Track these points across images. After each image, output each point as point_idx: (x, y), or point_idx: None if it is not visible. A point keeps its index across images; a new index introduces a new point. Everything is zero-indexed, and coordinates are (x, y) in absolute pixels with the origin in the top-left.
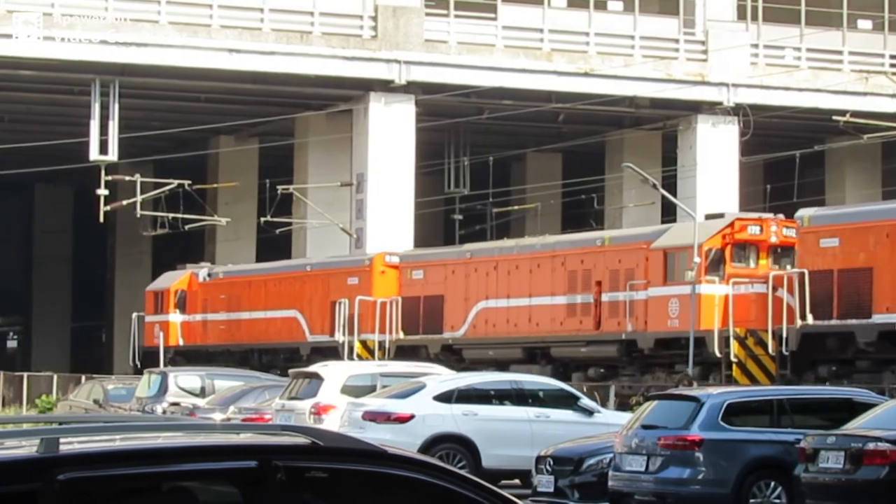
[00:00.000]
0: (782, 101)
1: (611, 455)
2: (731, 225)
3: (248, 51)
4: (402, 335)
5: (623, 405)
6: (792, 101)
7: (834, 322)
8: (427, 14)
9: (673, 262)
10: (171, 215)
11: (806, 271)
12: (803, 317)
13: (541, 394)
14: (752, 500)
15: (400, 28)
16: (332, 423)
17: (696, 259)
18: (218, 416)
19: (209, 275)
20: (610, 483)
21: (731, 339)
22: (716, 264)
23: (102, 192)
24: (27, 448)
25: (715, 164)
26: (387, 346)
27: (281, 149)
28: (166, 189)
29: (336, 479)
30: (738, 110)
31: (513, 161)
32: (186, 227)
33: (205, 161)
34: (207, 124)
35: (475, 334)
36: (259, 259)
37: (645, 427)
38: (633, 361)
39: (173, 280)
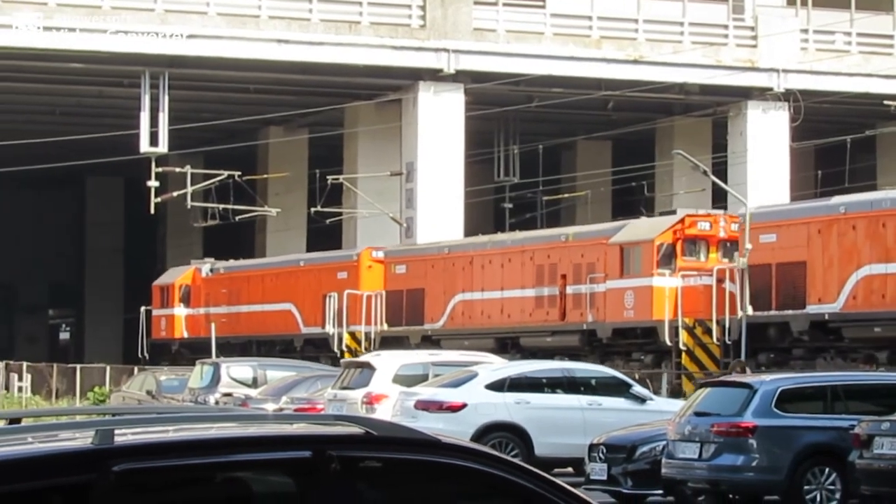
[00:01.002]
0: (833, 86)
1: (664, 442)
2: (682, 221)
3: (296, 41)
4: (386, 327)
5: (675, 392)
6: (842, 86)
7: (772, 312)
8: (475, 3)
9: (629, 256)
10: (221, 206)
11: (746, 265)
12: (744, 308)
13: (593, 382)
14: (806, 487)
15: (448, 17)
16: (384, 412)
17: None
18: (270, 407)
19: (211, 270)
20: (663, 470)
21: (681, 329)
22: (667, 258)
23: (153, 183)
24: (81, 440)
25: (765, 150)
26: (372, 337)
27: (330, 139)
28: (216, 180)
29: (389, 468)
30: (788, 96)
31: (563, 149)
32: (237, 217)
33: (254, 152)
34: (257, 115)
35: (453, 325)
36: (310, 249)
37: (698, 414)
38: (594, 350)
39: (178, 275)
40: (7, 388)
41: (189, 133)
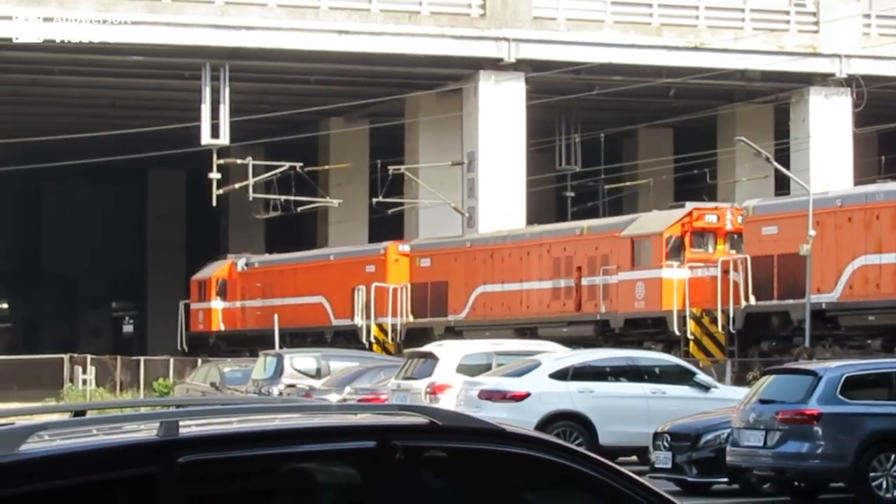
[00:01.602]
0: None
1: (728, 430)
2: (690, 214)
3: (356, 32)
4: (411, 318)
5: (740, 380)
6: None
7: (774, 302)
8: None
9: (639, 248)
10: (283, 198)
11: (748, 257)
12: (747, 298)
13: (657, 370)
14: (872, 474)
15: (508, 5)
16: (448, 402)
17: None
18: (334, 398)
19: (247, 264)
20: (728, 458)
21: (688, 319)
22: (676, 250)
23: (214, 175)
24: (146, 431)
25: (828, 136)
26: (398, 328)
27: (391, 129)
28: (278, 171)
29: (454, 458)
30: (850, 81)
31: (624, 137)
32: (298, 209)
33: (315, 143)
34: (317, 106)
35: (475, 317)
36: (372, 240)
37: (762, 402)
38: (608, 340)
39: (215, 270)
40: (72, 380)
41: (250, 125)
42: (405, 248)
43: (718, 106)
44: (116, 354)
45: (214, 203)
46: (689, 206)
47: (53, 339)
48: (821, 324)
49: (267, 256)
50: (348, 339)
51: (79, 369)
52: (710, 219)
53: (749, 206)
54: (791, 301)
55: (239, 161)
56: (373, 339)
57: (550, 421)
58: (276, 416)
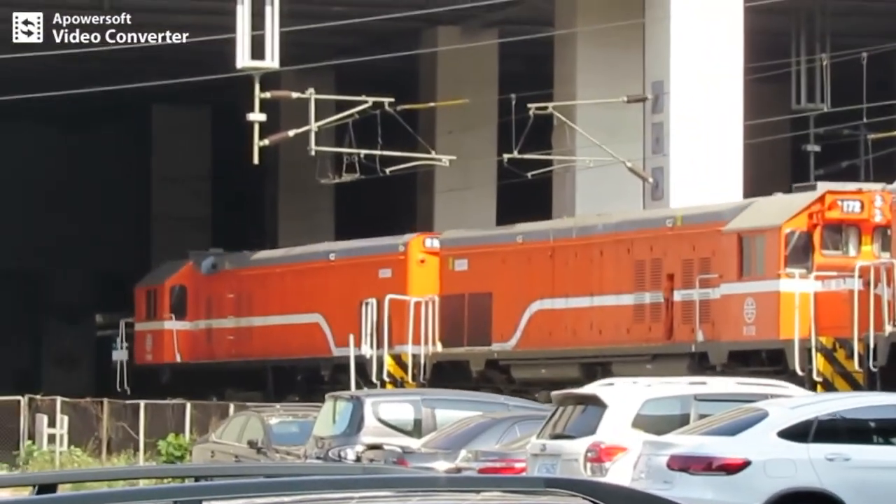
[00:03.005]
0: None
1: None
2: (822, 199)
3: None
4: (440, 347)
5: None
6: None
7: None
8: None
9: (749, 249)
10: (363, 152)
11: (895, 262)
12: (893, 321)
13: None
14: None
15: None
16: (621, 473)
17: None
18: (442, 466)
19: (214, 266)
20: None
21: (814, 352)
22: (801, 252)
23: (256, 117)
24: None
25: None
26: (422, 361)
27: (533, 46)
28: (354, 110)
29: None
30: None
31: None
32: (387, 170)
33: (414, 67)
34: (418, 8)
35: (528, 345)
36: (501, 218)
37: None
38: None
39: (169, 274)
40: (32, 436)
41: (313, 38)
42: (434, 243)
43: None
44: (101, 396)
45: (256, 160)
46: (822, 187)
47: (3, 369)
48: None
49: (245, 255)
50: (355, 375)
51: (43, 419)
52: (852, 206)
53: None
54: None
55: (295, 95)
56: (386, 377)
57: None
58: (350, 494)
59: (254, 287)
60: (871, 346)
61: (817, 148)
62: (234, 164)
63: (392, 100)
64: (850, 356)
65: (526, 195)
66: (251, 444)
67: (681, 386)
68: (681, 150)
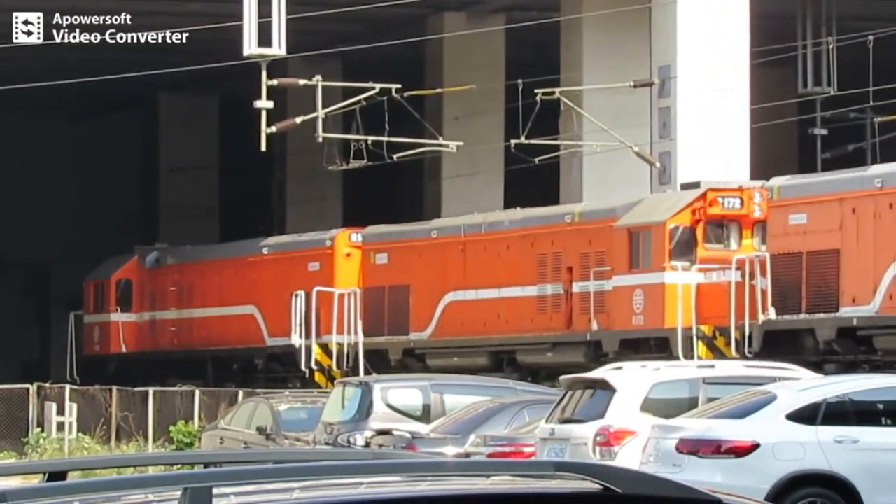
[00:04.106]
0: None
1: None
2: (704, 196)
3: None
4: (362, 337)
5: None
6: None
7: (802, 317)
8: None
9: (637, 243)
10: (370, 138)
11: (768, 255)
12: (765, 310)
13: None
14: None
15: None
16: (630, 457)
17: None
18: (451, 451)
19: (157, 260)
20: None
21: (696, 340)
22: (684, 246)
23: (263, 104)
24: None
25: None
26: (346, 350)
27: (540, 31)
28: (361, 97)
29: None
30: None
31: None
32: (395, 156)
33: (421, 54)
34: None
35: (442, 335)
36: (508, 203)
37: None
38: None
39: (115, 268)
40: (42, 424)
41: (320, 26)
42: (358, 237)
43: None
44: (110, 384)
45: (263, 146)
46: (704, 184)
47: (12, 359)
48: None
49: (186, 249)
50: (286, 364)
51: (52, 406)
52: (732, 202)
53: (774, 185)
54: (821, 315)
55: (303, 82)
56: (314, 366)
57: (791, 487)
58: (360, 480)
59: (194, 280)
60: (748, 333)
61: (824, 131)
62: (241, 153)
63: (399, 86)
64: (729, 343)
65: (533, 180)
66: (260, 430)
67: (689, 369)
68: (688, 134)
